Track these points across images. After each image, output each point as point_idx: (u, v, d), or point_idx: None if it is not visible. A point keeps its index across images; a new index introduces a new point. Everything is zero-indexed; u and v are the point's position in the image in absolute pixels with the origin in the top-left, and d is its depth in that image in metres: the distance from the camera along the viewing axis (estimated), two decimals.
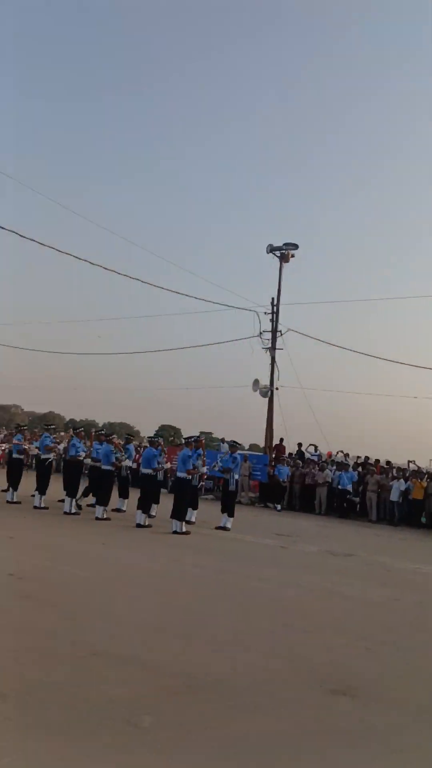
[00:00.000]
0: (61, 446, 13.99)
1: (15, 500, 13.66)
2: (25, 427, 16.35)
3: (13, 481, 13.91)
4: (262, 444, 23.97)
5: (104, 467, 12.93)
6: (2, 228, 14.64)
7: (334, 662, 5.10)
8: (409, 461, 19.17)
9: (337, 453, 21.10)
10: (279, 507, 18.85)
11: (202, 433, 31.22)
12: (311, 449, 21.77)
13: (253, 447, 27.06)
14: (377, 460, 19.77)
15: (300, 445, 21.97)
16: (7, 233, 15.01)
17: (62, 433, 23.64)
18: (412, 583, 9.03)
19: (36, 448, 14.33)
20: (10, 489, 13.89)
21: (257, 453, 23.09)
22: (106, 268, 19.31)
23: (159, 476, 12.93)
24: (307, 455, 21.29)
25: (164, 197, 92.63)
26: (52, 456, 13.91)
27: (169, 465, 13.32)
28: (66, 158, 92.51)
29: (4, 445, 15.70)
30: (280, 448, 22.16)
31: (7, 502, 13.63)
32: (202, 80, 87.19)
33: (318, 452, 21.78)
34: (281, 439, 22.64)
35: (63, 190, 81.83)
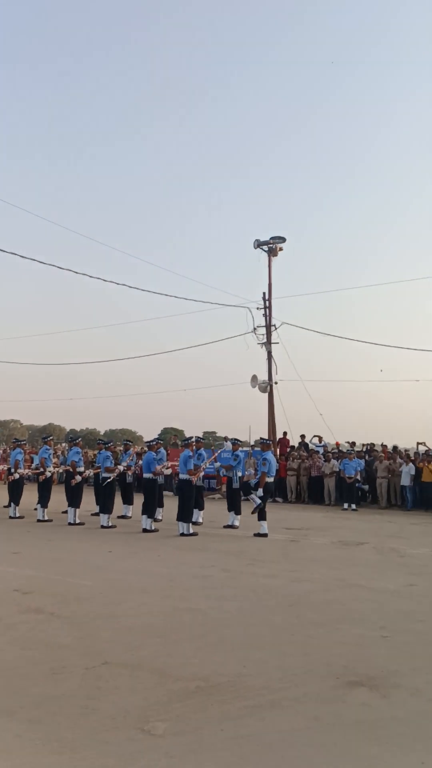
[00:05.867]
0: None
1: (18, 515, 13.58)
2: (24, 441, 16.22)
3: (15, 497, 13.89)
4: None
5: (104, 475, 12.82)
6: None
7: (351, 654, 4.97)
8: (418, 443, 19.00)
9: (344, 443, 20.98)
10: (354, 507, 17.14)
11: (205, 433, 31.07)
12: (315, 440, 21.64)
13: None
14: (384, 446, 19.60)
15: (303, 437, 21.85)
16: None
17: (63, 444, 23.54)
18: (427, 568, 8.88)
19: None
20: (12, 504, 13.83)
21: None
22: (92, 276, 19.14)
23: (161, 480, 12.78)
24: (311, 447, 21.15)
25: (143, 197, 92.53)
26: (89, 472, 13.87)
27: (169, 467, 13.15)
28: (38, 162, 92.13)
29: (3, 464, 15.51)
30: (284, 441, 22.02)
31: (10, 517, 13.57)
32: (181, 62, 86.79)
33: (323, 443, 21.64)
34: (284, 433, 22.51)
35: (35, 195, 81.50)
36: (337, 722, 3.72)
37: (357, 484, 17.60)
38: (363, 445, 20.67)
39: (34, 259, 16.72)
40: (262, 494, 11.57)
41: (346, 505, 17.24)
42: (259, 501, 11.51)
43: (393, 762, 3.28)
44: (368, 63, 78.95)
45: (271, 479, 11.83)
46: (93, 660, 4.76)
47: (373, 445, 20.18)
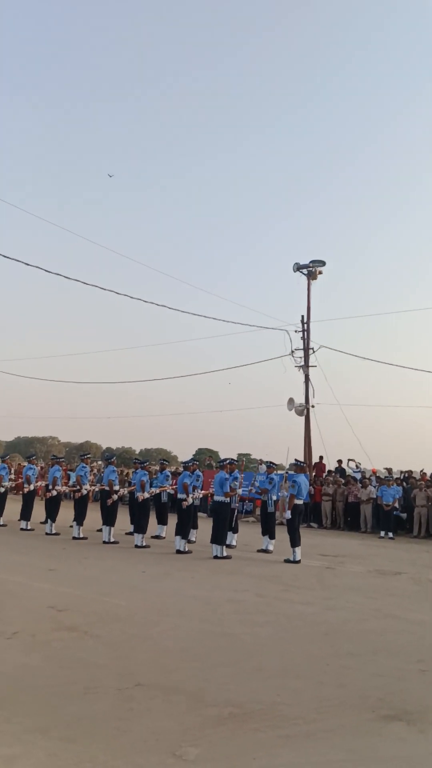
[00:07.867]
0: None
1: (54, 532, 13.72)
2: (62, 459, 16.45)
3: (52, 513, 14.01)
4: None
5: (138, 494, 12.88)
6: (28, 264, 14.91)
7: (387, 687, 4.87)
8: None
9: (381, 469, 20.63)
10: (391, 535, 16.67)
11: (239, 455, 31.00)
12: (352, 465, 21.34)
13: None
14: (423, 473, 19.20)
15: (339, 462, 21.58)
16: (34, 269, 15.31)
17: (99, 462, 23.76)
18: None
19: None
20: (48, 521, 13.96)
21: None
22: (132, 297, 19.51)
23: (196, 501, 12.78)
24: (348, 472, 20.88)
25: (185, 222, 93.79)
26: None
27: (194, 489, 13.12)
28: (82, 188, 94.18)
29: (41, 481, 15.70)
30: (320, 466, 21.80)
31: (46, 533, 13.70)
32: (217, 88, 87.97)
33: (360, 468, 21.32)
34: (321, 457, 22.30)
35: (83, 221, 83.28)
36: (373, 756, 3.64)
37: (395, 512, 17.25)
38: (401, 472, 20.30)
39: (78, 280, 17.07)
40: (290, 516, 11.49)
41: (382, 533, 16.90)
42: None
43: None
44: (420, 98, 78.97)
45: (300, 501, 11.72)
46: (126, 681, 4.76)
47: (411, 472, 19.79)
